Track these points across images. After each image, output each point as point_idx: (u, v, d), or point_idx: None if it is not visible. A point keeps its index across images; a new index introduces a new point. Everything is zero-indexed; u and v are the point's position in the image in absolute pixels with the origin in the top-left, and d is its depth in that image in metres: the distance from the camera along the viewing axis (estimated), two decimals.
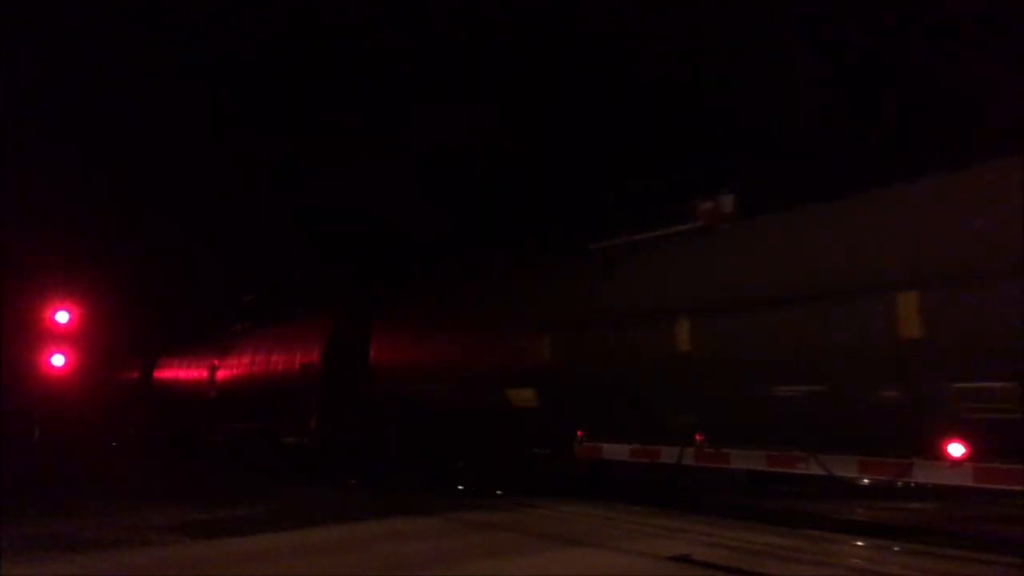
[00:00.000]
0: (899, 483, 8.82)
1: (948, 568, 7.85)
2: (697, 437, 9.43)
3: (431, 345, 14.77)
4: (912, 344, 7.44)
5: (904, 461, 7.70)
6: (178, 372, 25.04)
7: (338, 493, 14.24)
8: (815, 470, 8.30)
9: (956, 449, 7.32)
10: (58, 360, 19.59)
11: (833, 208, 8.84)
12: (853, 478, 8.30)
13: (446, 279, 16.88)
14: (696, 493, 11.29)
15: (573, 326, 11.33)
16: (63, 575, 7.78)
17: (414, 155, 27.13)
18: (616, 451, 10.50)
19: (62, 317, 19.76)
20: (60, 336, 19.73)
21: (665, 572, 7.82)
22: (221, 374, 21.63)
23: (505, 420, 12.58)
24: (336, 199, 27.97)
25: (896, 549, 8.48)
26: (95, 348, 23.97)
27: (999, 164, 7.51)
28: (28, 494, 13.41)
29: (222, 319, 25.73)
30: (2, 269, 23.12)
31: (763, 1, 18.89)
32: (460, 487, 13.72)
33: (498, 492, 13.10)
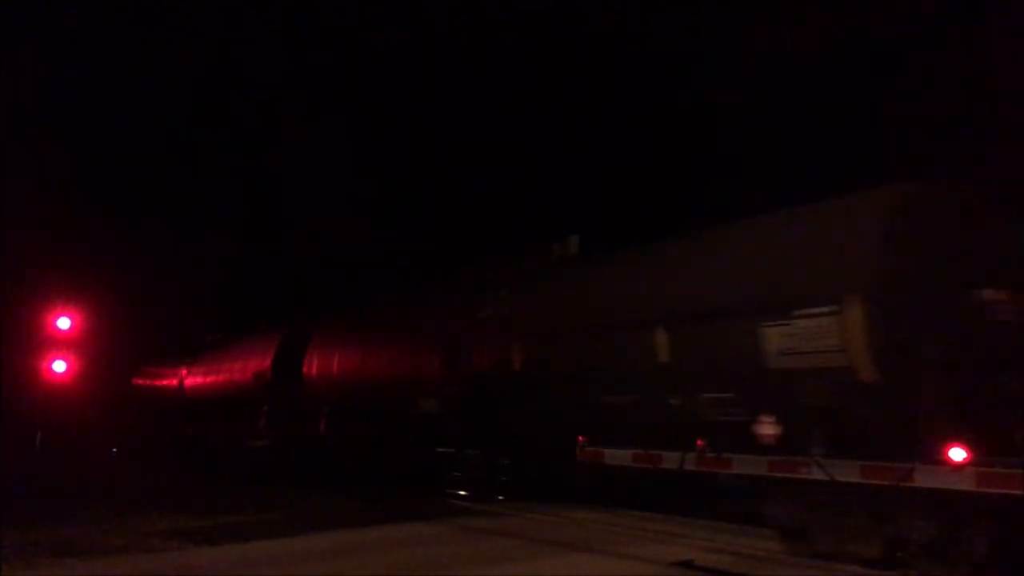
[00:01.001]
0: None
1: (949, 572, 7.81)
2: (699, 442, 9.40)
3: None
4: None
5: (905, 466, 7.67)
6: (366, 357, 15.97)
7: (339, 499, 14.21)
8: (817, 475, 8.27)
9: (957, 454, 7.30)
10: (59, 366, 19.61)
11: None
12: (855, 483, 8.25)
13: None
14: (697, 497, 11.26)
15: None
16: None
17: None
18: (617, 456, 10.48)
19: (63, 323, 19.79)
20: (62, 342, 19.76)
21: None
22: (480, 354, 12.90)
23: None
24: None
25: (898, 553, 8.45)
26: (101, 353, 23.86)
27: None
28: (30, 500, 13.40)
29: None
30: (3, 275, 23.13)
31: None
32: (462, 492, 13.70)
33: (500, 497, 13.08)
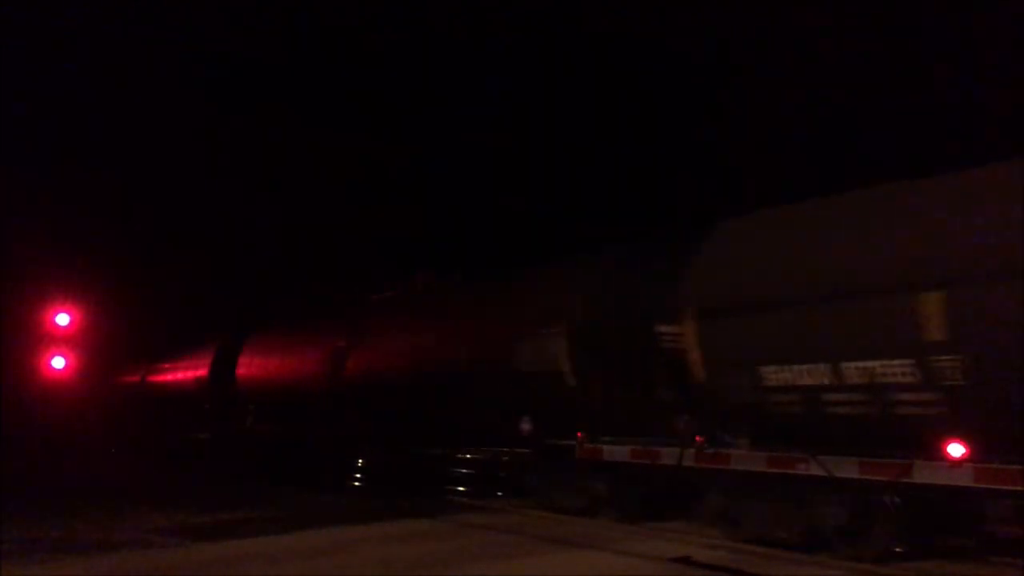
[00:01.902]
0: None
1: (948, 569, 7.85)
2: (697, 439, 9.41)
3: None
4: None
5: (904, 462, 7.69)
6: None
7: (339, 496, 14.23)
8: (815, 472, 8.29)
9: (956, 450, 7.30)
10: (58, 362, 19.63)
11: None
12: (853, 480, 8.27)
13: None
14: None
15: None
16: None
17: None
18: (616, 452, 10.49)
19: (62, 319, 19.81)
20: (60, 338, 19.78)
21: (666, 574, 7.83)
22: None
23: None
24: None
25: (897, 550, 8.48)
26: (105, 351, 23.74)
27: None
28: (29, 496, 13.41)
29: None
30: (2, 271, 23.12)
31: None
32: (460, 489, 13.71)
33: (498, 494, 13.09)
